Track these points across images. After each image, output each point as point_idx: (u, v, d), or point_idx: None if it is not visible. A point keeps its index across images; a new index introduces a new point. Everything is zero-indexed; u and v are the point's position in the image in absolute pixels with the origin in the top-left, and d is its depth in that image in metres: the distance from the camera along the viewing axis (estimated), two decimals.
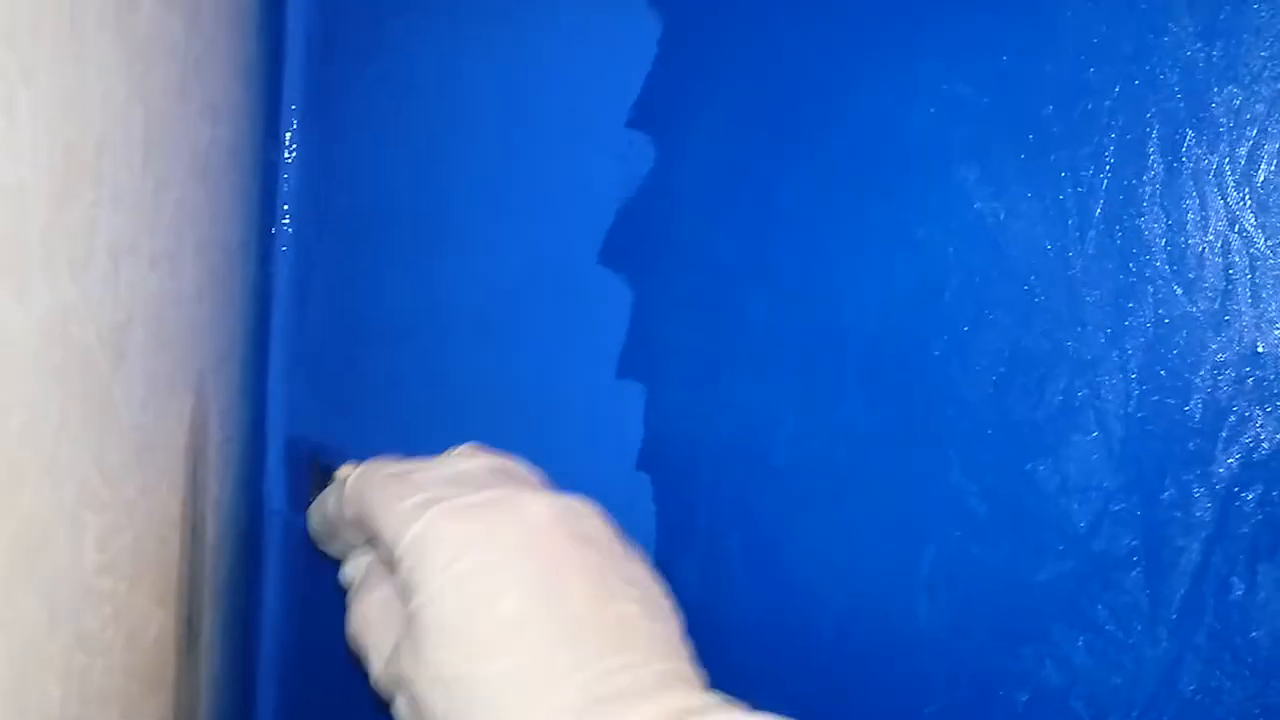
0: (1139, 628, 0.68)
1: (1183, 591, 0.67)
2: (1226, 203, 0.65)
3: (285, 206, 0.96)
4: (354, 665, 0.97)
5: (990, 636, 0.72)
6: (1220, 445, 0.66)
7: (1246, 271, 0.65)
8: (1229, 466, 0.66)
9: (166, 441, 0.68)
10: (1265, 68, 0.64)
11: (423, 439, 0.93)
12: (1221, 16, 0.66)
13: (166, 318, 0.66)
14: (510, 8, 0.88)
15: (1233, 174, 0.65)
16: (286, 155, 0.95)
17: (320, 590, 0.97)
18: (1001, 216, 0.70)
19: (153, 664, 0.67)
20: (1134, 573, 0.68)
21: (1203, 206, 0.65)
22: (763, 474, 0.80)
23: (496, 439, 0.90)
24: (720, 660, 0.83)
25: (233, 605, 0.88)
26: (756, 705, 0.53)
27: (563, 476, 0.89)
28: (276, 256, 0.96)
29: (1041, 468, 0.71)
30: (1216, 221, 0.66)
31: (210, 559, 0.83)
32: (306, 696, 0.99)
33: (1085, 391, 0.69)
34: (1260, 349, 0.65)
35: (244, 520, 0.91)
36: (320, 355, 0.97)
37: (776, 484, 0.79)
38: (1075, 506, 0.70)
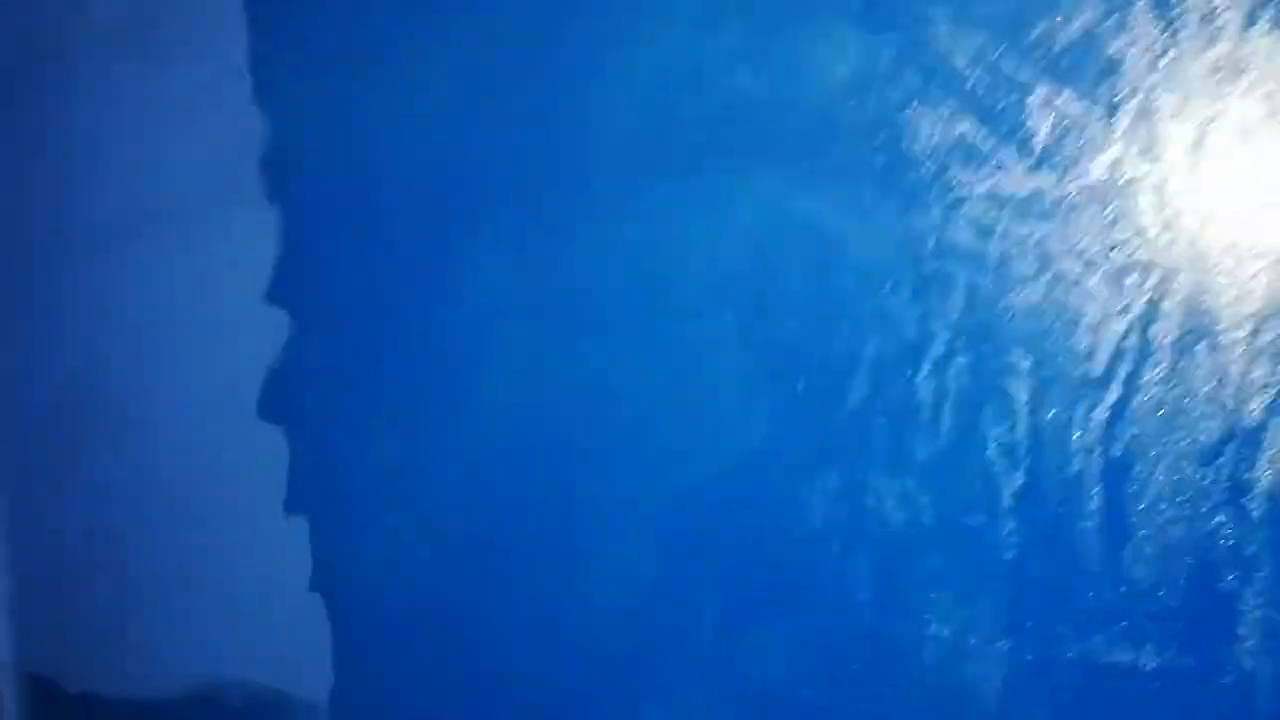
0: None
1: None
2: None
3: None
4: None
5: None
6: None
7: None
8: None
9: None
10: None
11: (130, 594, 1.07)
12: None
13: None
14: (149, 229, 1.03)
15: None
16: None
17: None
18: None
19: None
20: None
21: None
22: (397, 596, 0.97)
23: (196, 581, 1.05)
24: None
25: None
26: None
27: (252, 603, 1.04)
28: None
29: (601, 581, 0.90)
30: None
31: None
32: None
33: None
34: None
35: None
36: (29, 534, 1.10)
37: (412, 604, 0.96)
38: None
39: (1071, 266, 0.75)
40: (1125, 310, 0.74)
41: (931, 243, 0.79)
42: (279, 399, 1.01)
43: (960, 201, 0.78)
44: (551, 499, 0.89)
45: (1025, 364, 0.77)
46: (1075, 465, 0.75)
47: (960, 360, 0.78)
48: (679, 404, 0.84)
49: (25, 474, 1.08)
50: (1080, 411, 0.76)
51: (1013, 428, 0.77)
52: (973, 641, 0.81)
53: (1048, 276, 0.76)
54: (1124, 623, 0.74)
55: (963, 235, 0.79)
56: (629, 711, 0.89)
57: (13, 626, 1.09)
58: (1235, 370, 0.71)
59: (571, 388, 0.87)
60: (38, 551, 1.10)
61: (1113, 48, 0.73)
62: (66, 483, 1.07)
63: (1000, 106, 0.76)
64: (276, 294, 1.00)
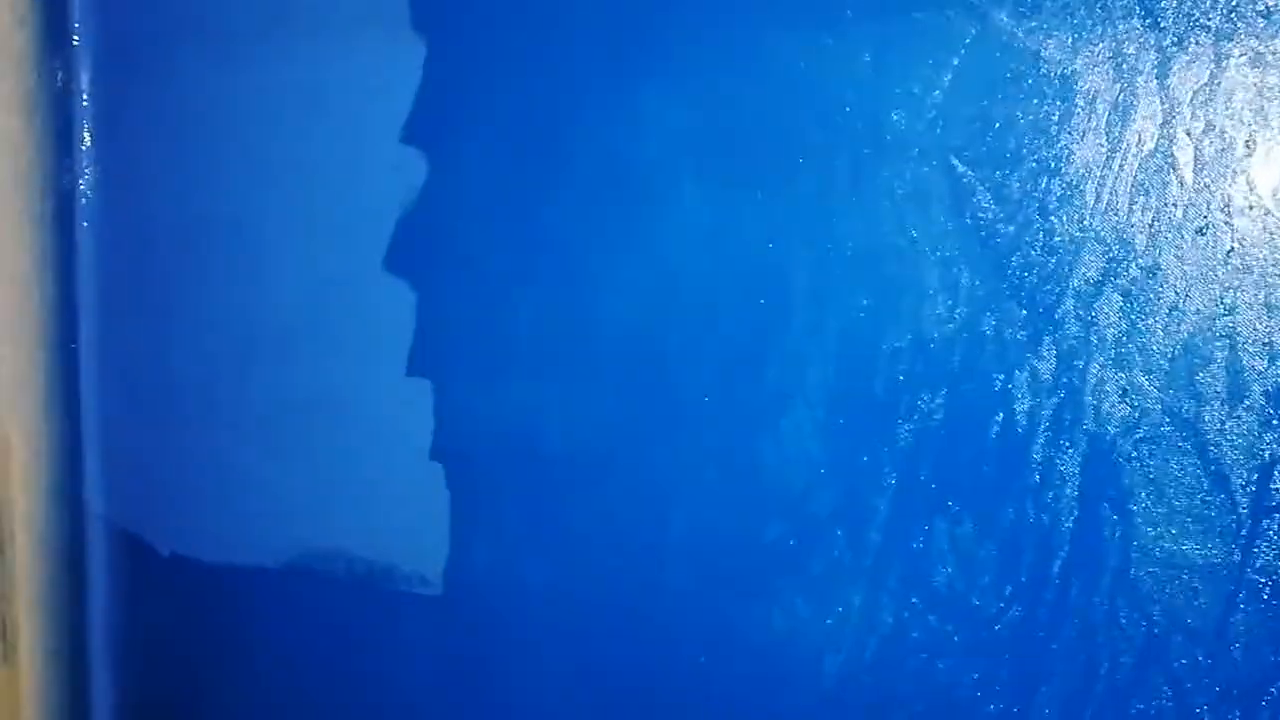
0: (844, 576, 0.80)
1: (876, 544, 0.79)
2: (894, 203, 0.75)
3: (85, 224, 1.01)
4: (189, 669, 1.05)
5: (728, 592, 0.83)
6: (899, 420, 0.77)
7: (915, 269, 0.76)
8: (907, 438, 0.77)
9: None
10: (922, 91, 0.74)
11: (233, 448, 1.00)
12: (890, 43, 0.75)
13: None
14: (279, 34, 0.94)
15: (900, 187, 0.76)
16: (81, 182, 0.99)
17: (149, 592, 1.05)
18: (722, 223, 0.80)
19: None
20: (837, 530, 0.80)
21: (874, 215, 0.76)
22: (535, 461, 0.89)
23: (305, 444, 0.98)
24: (507, 626, 0.93)
25: (56, 615, 0.94)
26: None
27: (365, 471, 0.97)
28: (78, 276, 1.00)
29: (763, 443, 0.81)
30: (891, 226, 0.76)
31: (24, 572, 0.89)
32: (142, 702, 1.06)
33: (793, 375, 0.80)
34: (930, 342, 0.77)
35: (64, 530, 0.97)
36: (130, 369, 1.03)
37: (548, 470, 0.89)
38: (791, 475, 0.81)
39: None
40: None
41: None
42: (409, 248, 0.93)
43: None
44: (716, 361, 0.80)
45: None
46: None
47: None
48: (871, 267, 0.76)
49: (121, 303, 1.01)
50: None
51: None
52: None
53: None
54: None
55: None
56: (779, 598, 0.82)
57: (104, 475, 1.02)
58: None
59: (745, 247, 0.78)
60: (133, 395, 1.02)
61: None
62: (169, 319, 1.00)
63: None
64: (414, 131, 0.91)
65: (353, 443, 0.98)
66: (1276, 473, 0.71)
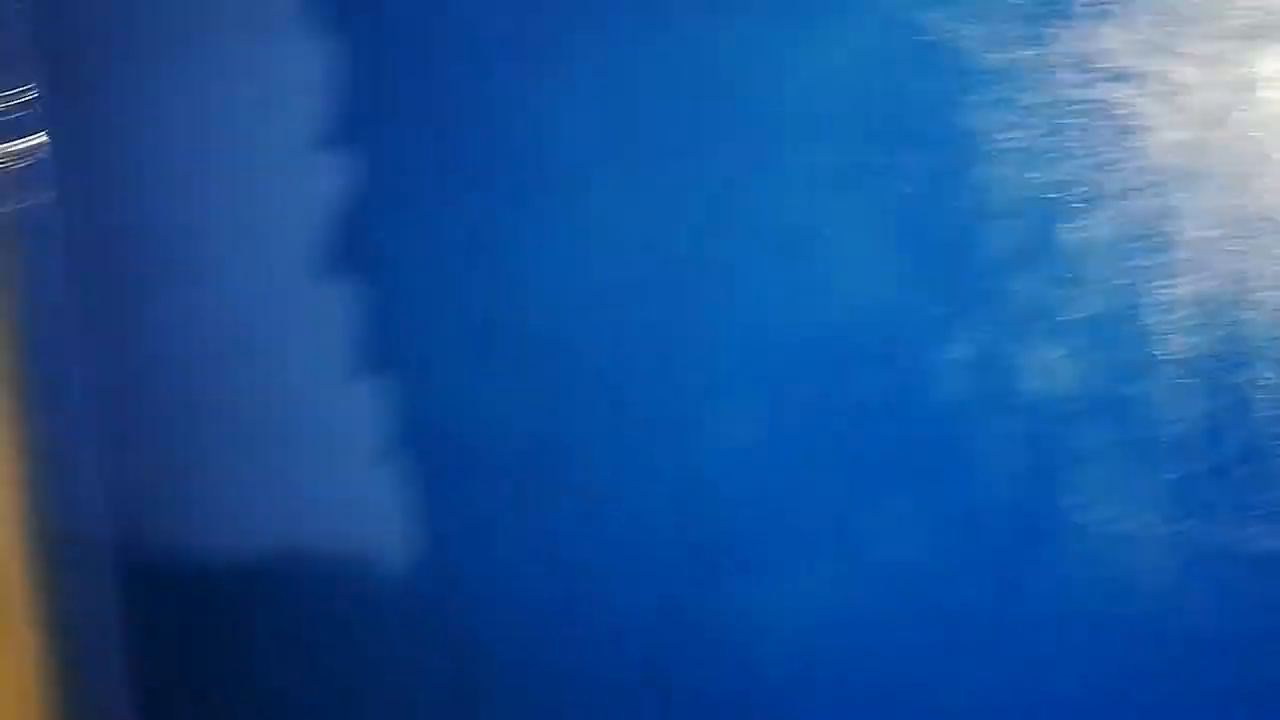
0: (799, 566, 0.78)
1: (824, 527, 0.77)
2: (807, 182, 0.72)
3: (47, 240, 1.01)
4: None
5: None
6: None
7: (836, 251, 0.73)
8: None
9: None
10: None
11: (208, 448, 1.01)
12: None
13: None
14: (206, 37, 0.93)
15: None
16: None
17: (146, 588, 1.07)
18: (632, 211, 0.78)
19: None
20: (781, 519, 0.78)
21: (787, 195, 0.73)
22: (474, 455, 0.88)
23: (261, 456, 0.99)
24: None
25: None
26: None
27: (324, 469, 0.97)
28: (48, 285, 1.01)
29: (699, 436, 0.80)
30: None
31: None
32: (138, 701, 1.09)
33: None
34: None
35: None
36: (104, 370, 1.04)
37: (487, 463, 0.88)
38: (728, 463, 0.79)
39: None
40: None
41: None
42: (345, 249, 0.92)
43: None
44: (660, 341, 0.79)
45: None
46: None
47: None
48: (799, 241, 0.73)
49: (93, 318, 1.02)
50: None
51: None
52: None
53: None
54: None
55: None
56: (740, 586, 0.81)
57: (98, 475, 1.04)
58: None
59: (680, 221, 0.76)
60: (114, 399, 1.04)
61: None
62: (140, 322, 1.01)
63: None
64: (338, 131, 0.90)
65: (310, 439, 0.98)
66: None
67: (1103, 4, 0.66)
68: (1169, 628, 0.72)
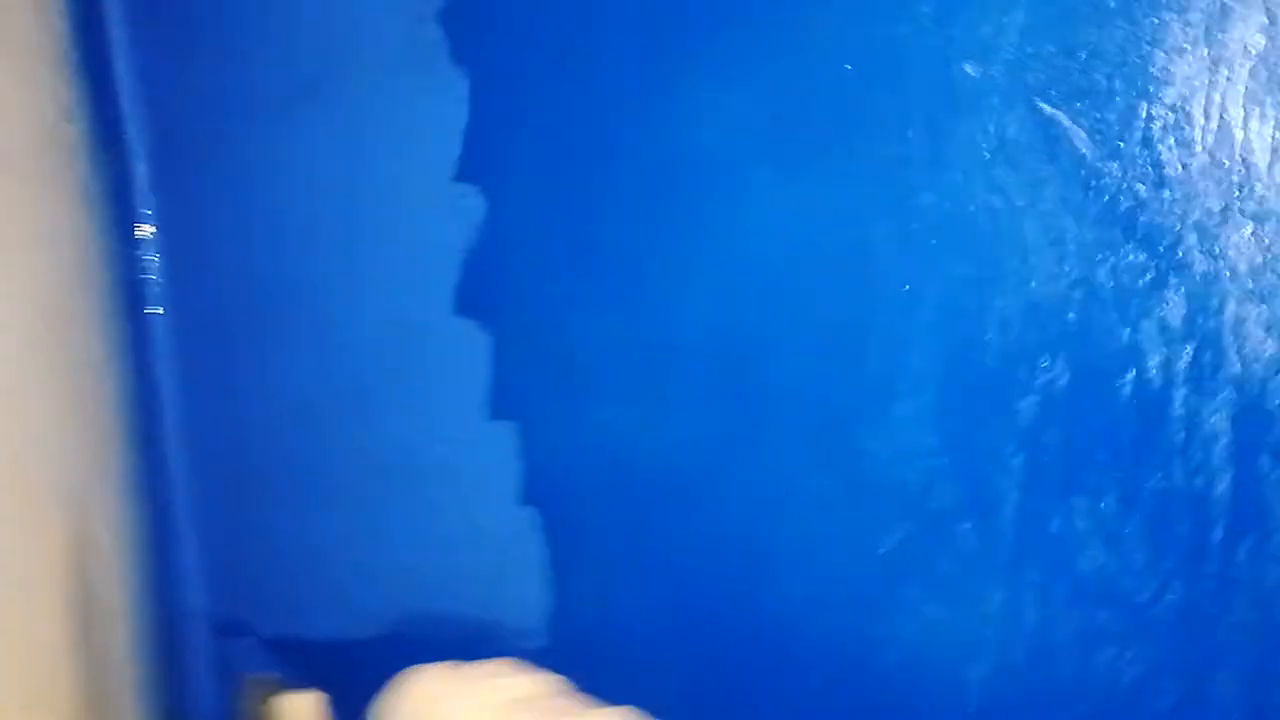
0: (979, 574, 0.72)
1: (1011, 534, 0.71)
2: (980, 159, 0.69)
3: (155, 309, 1.00)
4: None
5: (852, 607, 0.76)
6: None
7: (1011, 231, 0.69)
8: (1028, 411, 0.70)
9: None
10: (990, 47, 0.69)
11: (322, 520, 0.97)
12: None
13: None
14: (320, 90, 0.92)
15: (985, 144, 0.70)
16: (146, 267, 0.98)
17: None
18: (797, 208, 0.75)
19: None
20: (965, 524, 0.72)
21: (960, 176, 0.70)
22: (627, 490, 0.84)
23: (392, 505, 0.94)
24: (615, 673, 0.87)
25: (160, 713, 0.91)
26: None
27: (455, 525, 0.93)
28: (153, 361, 0.99)
29: (871, 439, 0.75)
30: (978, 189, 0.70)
31: (120, 670, 0.85)
32: None
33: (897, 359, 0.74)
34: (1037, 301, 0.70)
35: (160, 624, 0.94)
36: (213, 452, 1.00)
37: (642, 497, 0.83)
38: (907, 471, 0.74)
39: None
40: None
41: None
42: (474, 288, 0.90)
43: None
44: (809, 356, 0.75)
45: None
46: None
47: None
48: (965, 232, 0.69)
49: (198, 385, 0.99)
50: None
51: None
52: None
53: None
54: None
55: None
56: (908, 607, 0.75)
57: (199, 566, 1.00)
58: None
59: (825, 229, 0.72)
60: (220, 479, 1.00)
61: None
62: (245, 395, 0.97)
63: None
64: (465, 167, 0.88)
65: (440, 497, 0.94)
66: None
67: None
68: None
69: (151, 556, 0.95)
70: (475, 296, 0.90)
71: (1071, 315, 0.68)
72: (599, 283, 0.84)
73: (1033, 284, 0.69)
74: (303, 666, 0.99)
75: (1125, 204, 0.67)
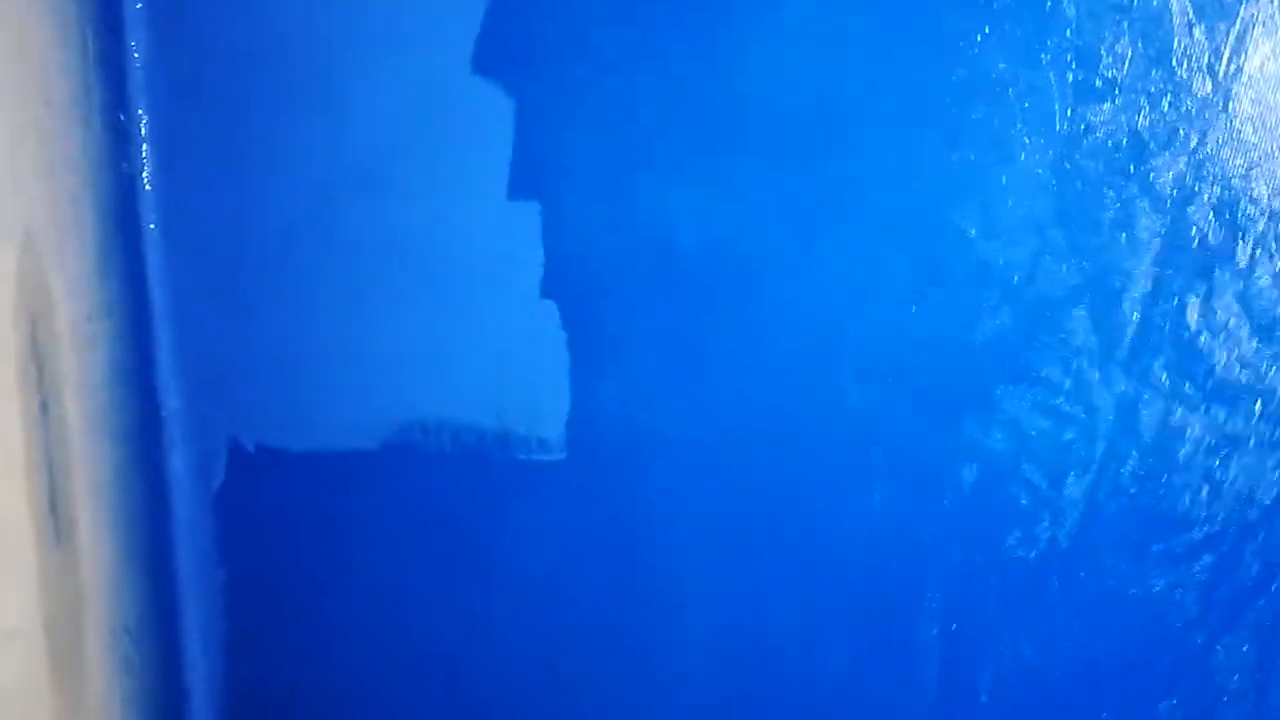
0: (1087, 373, 0.61)
1: (1135, 323, 0.60)
2: None
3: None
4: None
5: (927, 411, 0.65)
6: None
7: None
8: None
9: None
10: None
11: (316, 313, 0.86)
12: None
13: None
14: None
15: None
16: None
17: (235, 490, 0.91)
18: None
19: None
20: (1078, 311, 0.61)
21: None
22: (669, 282, 0.72)
23: (396, 296, 0.83)
24: (642, 491, 0.76)
25: (124, 504, 0.81)
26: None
27: (466, 321, 0.82)
28: (133, 106, 0.86)
29: (963, 210, 0.62)
30: None
31: (80, 446, 0.76)
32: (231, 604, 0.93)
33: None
34: None
35: (131, 414, 0.84)
36: (198, 227, 0.89)
37: (685, 291, 0.71)
38: (1006, 249, 0.62)
39: None
40: None
41: None
42: (500, 44, 0.77)
43: None
44: (897, 117, 0.61)
45: None
46: None
47: None
48: None
49: (183, 142, 0.86)
50: None
51: None
52: None
53: None
54: None
55: None
56: (1000, 411, 0.64)
57: (177, 361, 0.88)
58: None
59: None
60: (205, 262, 0.88)
61: None
62: (238, 162, 0.85)
63: None
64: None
65: (450, 289, 0.82)
66: None
67: None
68: None
69: (121, 346, 0.83)
70: (499, 53, 0.77)
71: None
72: (648, 31, 0.70)
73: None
74: (285, 483, 0.89)
75: None
